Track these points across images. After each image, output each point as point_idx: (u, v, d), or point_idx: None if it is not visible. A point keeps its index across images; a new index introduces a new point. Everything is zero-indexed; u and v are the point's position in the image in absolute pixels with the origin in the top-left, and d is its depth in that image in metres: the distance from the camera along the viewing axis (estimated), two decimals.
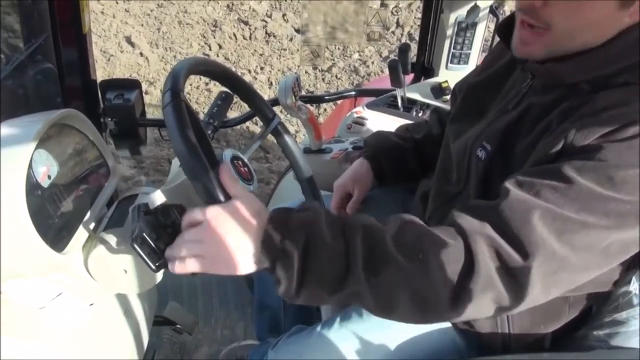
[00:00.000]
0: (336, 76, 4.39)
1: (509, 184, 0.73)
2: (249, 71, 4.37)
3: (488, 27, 1.66)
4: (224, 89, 1.04)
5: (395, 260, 0.68)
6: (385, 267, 0.68)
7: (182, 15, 5.03)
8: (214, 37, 4.80)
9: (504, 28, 0.89)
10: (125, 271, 0.95)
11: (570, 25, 0.76)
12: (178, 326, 1.45)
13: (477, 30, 1.58)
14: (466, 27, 1.56)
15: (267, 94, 4.12)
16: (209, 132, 1.10)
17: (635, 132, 0.68)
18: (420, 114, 1.53)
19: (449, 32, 1.58)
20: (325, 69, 4.49)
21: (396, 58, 1.52)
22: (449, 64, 1.64)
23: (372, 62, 4.52)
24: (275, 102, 1.45)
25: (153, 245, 0.79)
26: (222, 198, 0.73)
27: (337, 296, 0.70)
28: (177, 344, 1.49)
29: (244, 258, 0.71)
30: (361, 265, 0.68)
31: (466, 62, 1.62)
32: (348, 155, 1.32)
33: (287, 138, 1.10)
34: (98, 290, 1.01)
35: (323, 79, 4.37)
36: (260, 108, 1.07)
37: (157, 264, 0.80)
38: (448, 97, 1.59)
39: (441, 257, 0.68)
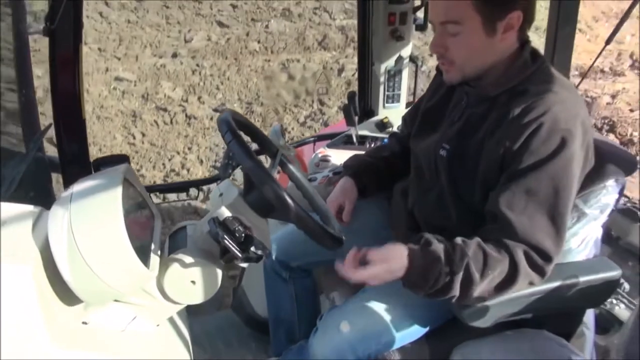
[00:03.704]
0: None
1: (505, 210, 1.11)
2: (178, 153, 4.51)
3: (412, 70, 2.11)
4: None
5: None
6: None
7: (99, 110, 5.12)
8: (136, 127, 4.90)
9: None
10: (193, 282, 1.14)
11: (465, 55, 1.15)
12: None
13: (403, 75, 2.01)
14: (394, 74, 1.98)
15: (200, 172, 4.31)
16: (229, 171, 1.35)
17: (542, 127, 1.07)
18: (372, 145, 1.90)
19: (382, 79, 1.99)
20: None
21: (347, 103, 1.90)
22: (385, 104, 2.05)
23: (293, 129, 4.88)
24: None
25: (231, 242, 1.03)
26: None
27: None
28: None
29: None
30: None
31: (398, 101, 2.04)
32: (330, 180, 1.63)
33: (291, 167, 1.38)
34: (162, 310, 1.18)
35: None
36: (266, 145, 1.34)
37: (242, 256, 1.04)
38: (390, 129, 1.98)
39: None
